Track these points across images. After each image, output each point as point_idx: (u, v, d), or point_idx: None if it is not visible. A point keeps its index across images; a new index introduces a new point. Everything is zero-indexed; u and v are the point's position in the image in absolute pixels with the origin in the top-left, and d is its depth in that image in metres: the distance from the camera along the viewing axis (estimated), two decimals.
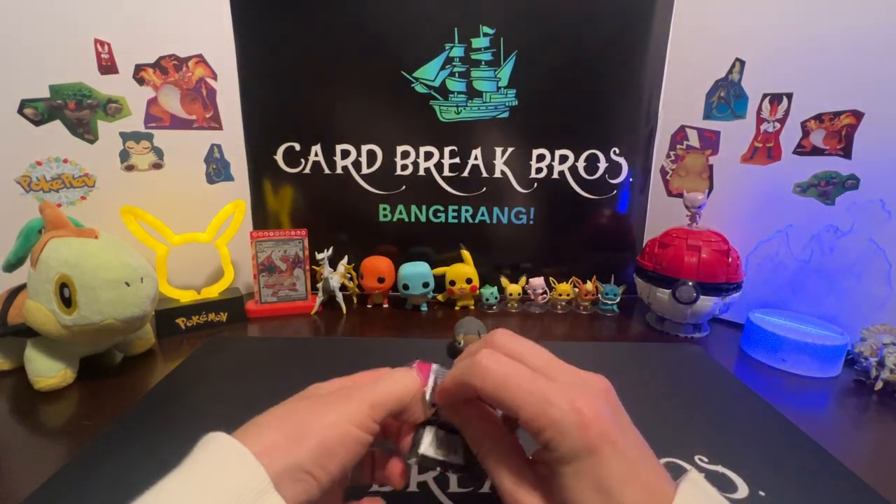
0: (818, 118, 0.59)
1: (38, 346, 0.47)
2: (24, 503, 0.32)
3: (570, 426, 0.21)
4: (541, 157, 0.74)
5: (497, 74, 0.71)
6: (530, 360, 0.24)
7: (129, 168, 0.66)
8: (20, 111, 0.57)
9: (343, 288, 0.71)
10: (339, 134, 0.72)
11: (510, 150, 0.74)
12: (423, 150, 0.73)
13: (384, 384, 0.26)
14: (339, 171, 0.73)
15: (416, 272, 0.70)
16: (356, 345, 0.59)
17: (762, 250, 0.65)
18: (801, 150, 0.61)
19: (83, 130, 0.62)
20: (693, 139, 0.71)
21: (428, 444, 0.27)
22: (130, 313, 0.46)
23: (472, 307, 0.74)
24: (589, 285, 0.73)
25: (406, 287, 0.70)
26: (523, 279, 0.73)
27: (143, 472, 0.34)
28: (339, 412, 0.24)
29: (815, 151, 0.60)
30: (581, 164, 0.74)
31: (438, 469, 0.27)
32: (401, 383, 0.26)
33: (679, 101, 0.71)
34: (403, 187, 0.74)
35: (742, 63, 0.64)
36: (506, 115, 0.72)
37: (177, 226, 0.64)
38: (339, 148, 0.72)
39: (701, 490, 0.22)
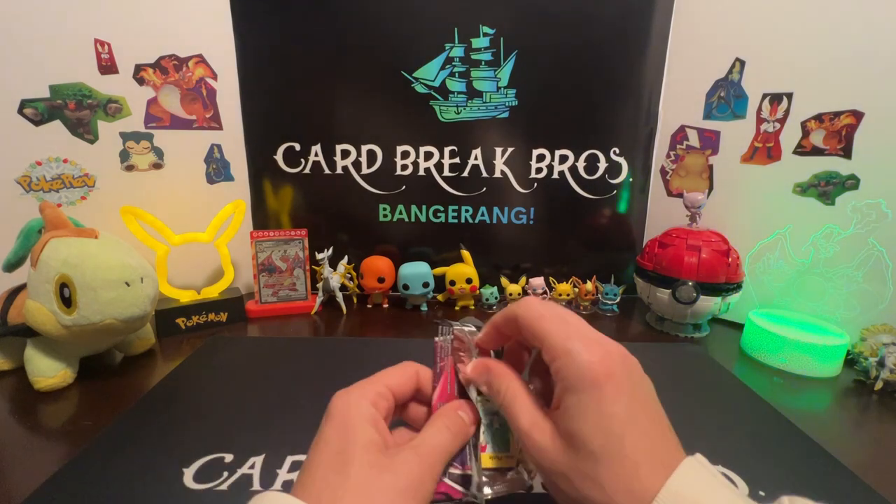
0: (818, 118, 0.59)
1: (38, 346, 0.47)
2: (24, 503, 0.32)
3: (580, 357, 0.23)
4: (541, 157, 0.74)
5: (497, 74, 0.71)
6: (568, 315, 0.26)
7: (129, 168, 0.66)
8: (20, 111, 0.57)
9: (343, 288, 0.71)
10: (339, 134, 0.72)
11: (510, 150, 0.74)
12: (423, 150, 0.73)
13: (434, 433, 0.26)
14: (339, 171, 0.73)
15: (416, 272, 0.70)
16: (356, 345, 0.59)
17: (762, 250, 0.65)
18: (801, 150, 0.61)
19: (83, 130, 0.62)
20: (693, 139, 0.71)
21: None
22: (130, 313, 0.46)
23: (472, 307, 0.74)
24: (589, 285, 0.73)
25: (406, 287, 0.69)
26: (523, 279, 0.73)
27: (144, 472, 0.35)
28: (399, 485, 0.23)
29: (815, 151, 0.60)
30: (581, 164, 0.74)
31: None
32: (451, 429, 0.27)
33: (679, 101, 0.71)
34: (403, 187, 0.74)
35: (742, 63, 0.64)
36: (506, 115, 0.72)
37: (177, 226, 0.64)
38: (339, 148, 0.72)
39: (705, 469, 0.22)
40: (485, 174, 0.74)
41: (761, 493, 0.34)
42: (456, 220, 0.76)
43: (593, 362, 0.23)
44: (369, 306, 0.73)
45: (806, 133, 0.60)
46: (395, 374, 0.29)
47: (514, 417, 0.26)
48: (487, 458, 0.28)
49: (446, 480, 0.27)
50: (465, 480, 0.27)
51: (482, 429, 0.28)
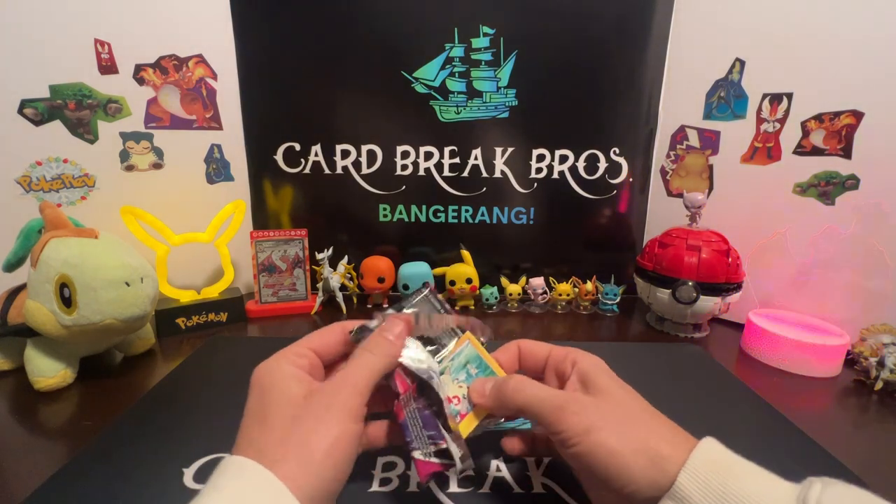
0: (818, 118, 0.59)
1: (38, 346, 0.47)
2: (24, 503, 0.32)
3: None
4: (541, 157, 0.74)
5: (497, 74, 0.71)
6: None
7: (129, 168, 0.66)
8: (20, 111, 0.57)
9: (343, 288, 0.71)
10: (339, 134, 0.72)
11: (510, 150, 0.74)
12: (423, 150, 0.73)
13: (360, 362, 0.29)
14: (339, 171, 0.73)
15: (416, 272, 0.70)
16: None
17: (762, 250, 0.65)
18: (801, 150, 0.61)
19: (83, 130, 0.62)
20: (693, 139, 0.71)
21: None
22: (130, 313, 0.46)
23: (472, 307, 0.74)
24: (589, 285, 0.73)
25: (406, 287, 0.69)
26: (523, 279, 0.73)
27: (144, 472, 0.35)
28: (339, 417, 0.26)
29: (815, 151, 0.60)
30: (581, 164, 0.74)
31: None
32: (371, 350, 0.30)
33: (679, 101, 0.71)
34: (403, 187, 0.74)
35: (742, 63, 0.64)
36: (506, 115, 0.72)
37: (177, 226, 0.64)
38: (339, 148, 0.72)
39: (721, 445, 0.25)
40: (485, 174, 0.74)
41: None
42: (456, 220, 0.76)
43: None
44: (369, 306, 0.73)
45: (806, 133, 0.60)
46: (316, 334, 0.32)
47: (542, 392, 0.28)
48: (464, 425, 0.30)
49: (427, 459, 0.29)
50: (441, 454, 0.29)
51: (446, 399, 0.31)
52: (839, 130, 0.58)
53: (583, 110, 0.73)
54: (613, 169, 0.75)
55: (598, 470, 0.25)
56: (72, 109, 0.60)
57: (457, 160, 0.74)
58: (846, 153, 0.57)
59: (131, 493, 0.33)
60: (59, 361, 0.47)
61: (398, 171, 0.74)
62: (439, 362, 0.33)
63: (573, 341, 0.62)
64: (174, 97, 0.67)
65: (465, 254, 0.73)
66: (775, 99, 0.62)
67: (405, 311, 0.35)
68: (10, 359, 0.50)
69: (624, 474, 0.24)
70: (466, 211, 0.76)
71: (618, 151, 0.74)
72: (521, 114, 0.72)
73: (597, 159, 0.74)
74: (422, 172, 0.74)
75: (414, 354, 0.31)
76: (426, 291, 0.37)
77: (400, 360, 0.31)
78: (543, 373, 0.33)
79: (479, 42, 0.69)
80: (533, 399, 0.28)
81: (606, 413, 0.26)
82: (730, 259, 0.61)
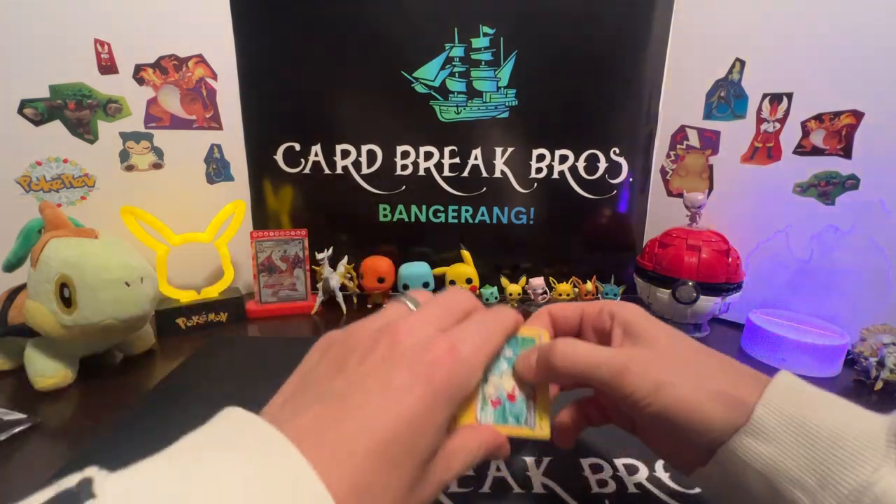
0: (818, 118, 0.59)
1: (38, 346, 0.47)
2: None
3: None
4: (541, 157, 0.74)
5: (497, 74, 0.71)
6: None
7: (129, 168, 0.66)
8: (20, 111, 0.57)
9: (343, 288, 0.71)
10: (339, 134, 0.72)
11: (510, 150, 0.74)
12: (423, 150, 0.73)
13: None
14: (339, 171, 0.73)
15: (416, 272, 0.70)
16: None
17: (762, 250, 0.65)
18: (801, 150, 0.61)
19: (83, 130, 0.62)
20: (693, 139, 0.71)
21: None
22: (130, 313, 0.46)
23: None
24: (589, 285, 0.73)
25: (406, 287, 0.69)
26: (523, 279, 0.73)
27: None
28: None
29: (815, 151, 0.60)
30: (581, 164, 0.74)
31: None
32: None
33: (679, 101, 0.71)
34: (403, 187, 0.74)
35: (742, 63, 0.64)
36: (506, 115, 0.72)
37: (177, 226, 0.64)
38: (339, 148, 0.72)
39: (799, 379, 0.24)
40: (485, 174, 0.74)
41: None
42: (456, 220, 0.76)
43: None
44: (369, 306, 0.73)
45: (806, 133, 0.60)
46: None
47: (597, 356, 0.25)
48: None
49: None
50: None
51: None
52: (839, 130, 0.58)
53: (583, 110, 0.73)
54: (613, 169, 0.75)
55: (678, 425, 0.23)
56: (72, 109, 0.60)
57: (457, 160, 0.74)
58: (846, 153, 0.57)
59: None
60: (59, 361, 0.47)
61: (398, 171, 0.74)
62: None
63: None
64: (174, 97, 0.67)
65: (465, 254, 0.73)
66: (775, 99, 0.62)
67: None
68: (10, 359, 0.50)
69: (704, 424, 0.22)
70: (466, 211, 0.76)
71: (618, 151, 0.74)
72: (521, 114, 0.72)
73: (597, 159, 0.74)
74: (422, 172, 0.74)
75: None
76: None
77: None
78: (580, 334, 0.30)
79: (479, 42, 0.69)
80: (588, 365, 0.25)
81: (670, 364, 0.24)
82: (730, 259, 0.61)
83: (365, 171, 0.74)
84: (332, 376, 0.21)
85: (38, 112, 0.58)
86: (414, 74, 0.70)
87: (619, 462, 0.36)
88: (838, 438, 0.20)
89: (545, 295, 0.73)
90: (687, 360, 0.25)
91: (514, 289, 0.72)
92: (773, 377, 0.23)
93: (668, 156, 0.74)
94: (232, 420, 0.19)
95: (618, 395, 0.24)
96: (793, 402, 0.21)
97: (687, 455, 0.25)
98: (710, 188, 0.70)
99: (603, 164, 0.74)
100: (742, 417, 0.22)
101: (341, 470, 0.17)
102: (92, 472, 0.15)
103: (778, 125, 0.62)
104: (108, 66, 0.62)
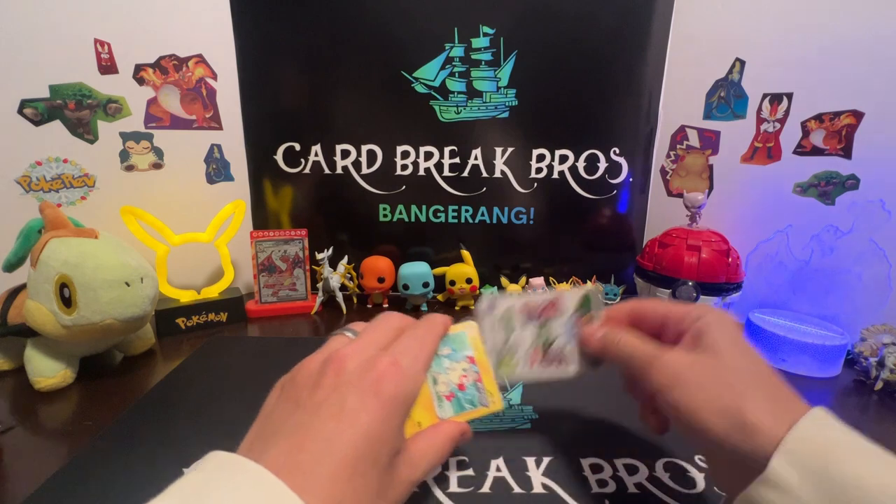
0: (818, 118, 0.59)
1: (38, 346, 0.47)
2: (24, 503, 0.32)
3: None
4: (541, 157, 0.74)
5: (497, 74, 0.71)
6: None
7: (129, 168, 0.66)
8: (20, 111, 0.58)
9: (343, 288, 0.71)
10: (339, 134, 0.72)
11: (510, 150, 0.74)
12: (423, 150, 0.73)
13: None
14: (339, 171, 0.73)
15: (416, 272, 0.70)
16: None
17: (762, 250, 0.65)
18: (801, 150, 0.61)
19: (83, 130, 0.62)
20: (693, 139, 0.71)
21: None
22: (130, 313, 0.46)
23: (472, 307, 0.73)
24: (589, 285, 0.73)
25: (406, 287, 0.69)
26: (523, 279, 0.73)
27: (143, 472, 0.35)
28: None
29: (815, 151, 0.60)
30: (581, 164, 0.74)
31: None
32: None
33: (679, 101, 0.71)
34: (403, 187, 0.74)
35: (742, 63, 0.64)
36: (506, 115, 0.72)
37: (177, 226, 0.64)
38: (339, 148, 0.72)
39: (833, 418, 0.23)
40: (485, 174, 0.74)
41: None
42: (456, 220, 0.76)
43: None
44: (369, 306, 0.73)
45: (806, 133, 0.60)
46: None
47: (637, 347, 0.29)
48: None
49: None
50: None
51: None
52: (839, 130, 0.58)
53: (583, 110, 0.73)
54: (613, 169, 0.75)
55: (679, 425, 0.25)
56: (72, 109, 0.60)
57: (457, 160, 0.74)
58: (846, 153, 0.57)
59: (131, 493, 0.33)
60: (59, 361, 0.47)
61: (398, 171, 0.74)
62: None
63: None
64: (174, 97, 0.67)
65: (465, 254, 0.73)
66: (775, 99, 0.62)
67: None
68: (10, 359, 0.50)
69: (701, 433, 0.23)
70: (466, 211, 0.76)
71: (618, 151, 0.74)
72: (521, 114, 0.72)
73: (597, 159, 0.74)
74: (422, 172, 0.74)
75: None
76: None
77: None
78: (661, 333, 0.31)
79: (479, 42, 0.69)
80: (628, 351, 0.29)
81: (697, 370, 0.25)
82: (730, 259, 0.61)
83: (365, 171, 0.74)
84: (291, 412, 0.23)
85: (38, 112, 0.58)
86: (414, 74, 0.70)
87: (619, 462, 0.36)
88: (863, 494, 0.19)
89: None
90: (722, 373, 0.25)
91: (514, 289, 0.72)
92: (802, 416, 0.22)
93: (668, 156, 0.74)
94: (221, 462, 0.21)
95: (643, 383, 0.27)
96: (816, 452, 0.20)
97: (720, 475, 0.26)
98: (710, 188, 0.70)
99: (603, 164, 0.74)
100: (758, 455, 0.21)
101: (317, 490, 0.19)
102: None
103: (778, 125, 0.62)
104: (108, 66, 0.62)
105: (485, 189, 0.75)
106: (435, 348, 0.29)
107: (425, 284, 0.70)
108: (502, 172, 0.74)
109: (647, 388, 0.27)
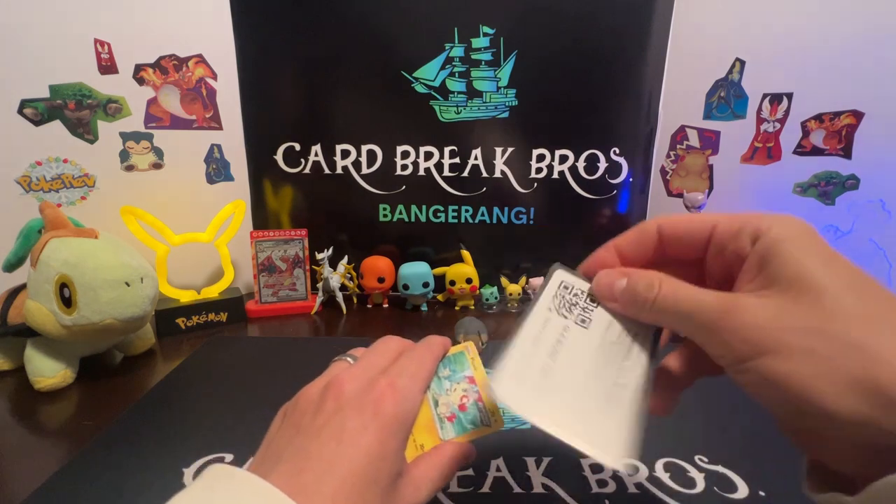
0: (818, 118, 0.59)
1: (38, 346, 0.47)
2: (24, 503, 0.32)
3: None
4: (541, 157, 0.74)
5: (497, 74, 0.71)
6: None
7: (129, 168, 0.66)
8: (20, 111, 0.58)
9: (343, 288, 0.71)
10: (339, 134, 0.72)
11: (510, 150, 0.74)
12: (423, 150, 0.73)
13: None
14: (339, 171, 0.73)
15: (416, 272, 0.70)
16: (356, 345, 0.59)
17: None
18: (801, 150, 0.61)
19: (83, 130, 0.62)
20: (693, 139, 0.71)
21: None
22: (130, 313, 0.46)
23: (472, 307, 0.74)
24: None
25: (406, 287, 0.69)
26: (523, 279, 0.73)
27: (143, 472, 0.35)
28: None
29: (815, 151, 0.60)
30: (581, 164, 0.74)
31: None
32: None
33: (679, 101, 0.71)
34: (403, 187, 0.74)
35: (742, 63, 0.64)
36: (506, 115, 0.72)
37: (177, 226, 0.64)
38: (339, 148, 0.72)
39: None
40: (485, 174, 0.74)
41: (761, 493, 0.34)
42: (456, 220, 0.76)
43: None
44: (369, 306, 0.73)
45: (806, 133, 0.60)
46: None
47: (690, 300, 0.20)
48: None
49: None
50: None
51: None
52: (839, 130, 0.58)
53: (583, 110, 0.73)
54: (613, 169, 0.75)
55: (771, 403, 0.19)
56: (72, 109, 0.60)
57: (457, 160, 0.74)
58: (846, 153, 0.58)
59: (131, 493, 0.33)
60: (59, 361, 0.47)
61: (398, 171, 0.74)
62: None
63: None
64: (174, 97, 0.67)
65: (465, 254, 0.73)
66: (775, 99, 0.62)
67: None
68: (10, 359, 0.50)
69: (819, 417, 0.16)
70: (466, 211, 0.76)
71: (618, 151, 0.74)
72: (521, 114, 0.72)
73: (597, 159, 0.74)
74: (422, 172, 0.74)
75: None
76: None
77: None
78: (704, 260, 0.22)
79: (479, 42, 0.69)
80: (680, 306, 0.20)
81: (795, 322, 0.17)
82: None
83: (365, 171, 0.74)
84: (293, 437, 0.23)
85: (38, 112, 0.58)
86: (414, 74, 0.70)
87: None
88: None
89: None
90: (834, 315, 0.17)
91: (514, 289, 0.72)
92: None
93: (668, 156, 0.74)
94: (227, 475, 0.21)
95: (710, 354, 0.20)
96: None
97: (833, 455, 0.19)
98: (710, 188, 0.70)
99: (603, 164, 0.74)
100: (886, 418, 0.15)
101: None
102: None
103: (778, 125, 0.62)
104: (108, 66, 0.62)
105: (485, 189, 0.75)
106: (433, 368, 0.28)
107: (425, 284, 0.70)
108: (502, 172, 0.74)
109: (715, 358, 0.20)
